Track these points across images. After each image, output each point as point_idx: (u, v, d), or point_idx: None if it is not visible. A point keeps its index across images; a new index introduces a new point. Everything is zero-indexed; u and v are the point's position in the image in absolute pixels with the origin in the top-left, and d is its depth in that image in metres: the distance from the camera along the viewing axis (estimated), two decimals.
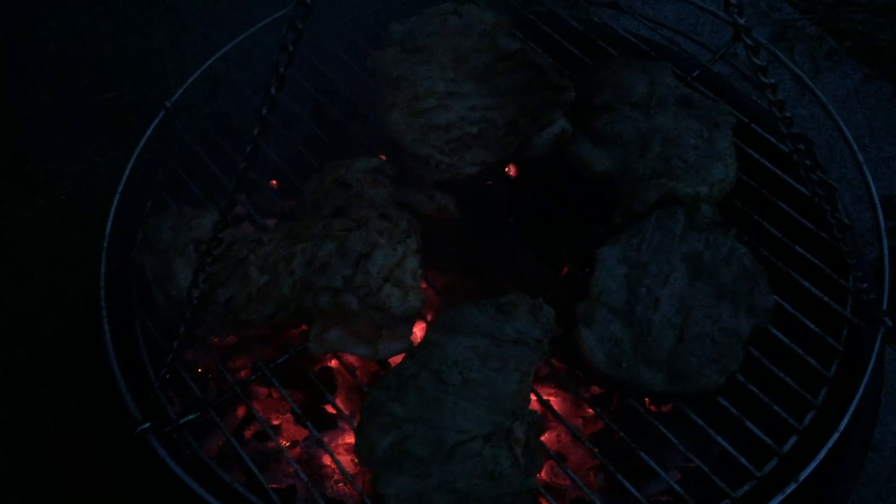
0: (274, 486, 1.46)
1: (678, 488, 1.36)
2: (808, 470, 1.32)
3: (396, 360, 1.46)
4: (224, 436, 1.43)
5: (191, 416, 1.39)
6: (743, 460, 1.37)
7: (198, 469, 1.36)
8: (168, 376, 1.38)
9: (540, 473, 1.57)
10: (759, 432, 1.38)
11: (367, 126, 1.72)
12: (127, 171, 1.66)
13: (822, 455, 1.33)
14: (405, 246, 1.52)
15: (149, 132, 1.72)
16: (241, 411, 1.65)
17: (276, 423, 1.67)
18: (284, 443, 1.63)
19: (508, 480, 1.28)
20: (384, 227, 1.53)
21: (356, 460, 1.60)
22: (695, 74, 1.85)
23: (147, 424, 1.33)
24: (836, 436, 1.34)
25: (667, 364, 1.42)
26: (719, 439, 1.39)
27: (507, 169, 1.85)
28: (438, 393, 1.37)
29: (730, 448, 1.38)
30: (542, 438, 1.61)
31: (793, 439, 1.38)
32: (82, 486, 1.72)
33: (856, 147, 1.67)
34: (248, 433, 1.65)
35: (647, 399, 1.62)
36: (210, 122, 1.84)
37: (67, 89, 2.42)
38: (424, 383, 1.38)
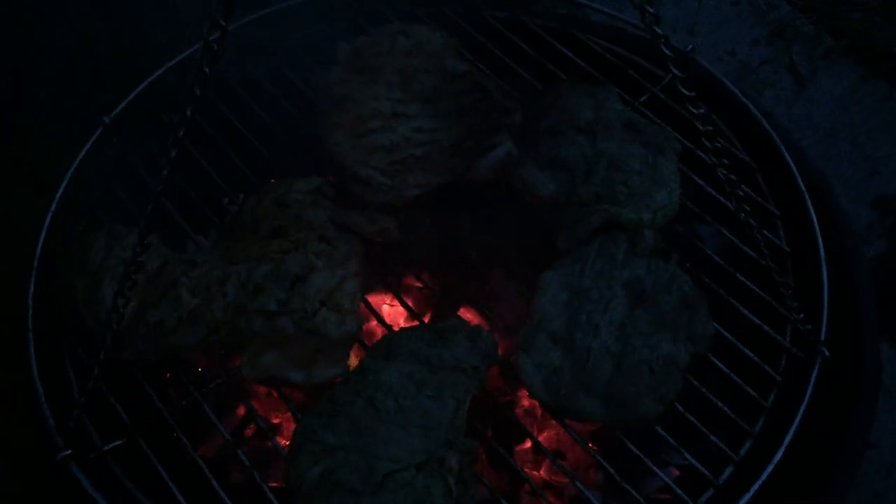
0: (273, 484, 1.43)
1: (673, 486, 1.36)
2: (744, 501, 1.31)
3: None
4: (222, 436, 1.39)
5: (116, 443, 1.35)
6: (679, 491, 1.35)
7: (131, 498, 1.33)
8: (95, 401, 1.34)
9: (539, 472, 1.56)
10: (694, 462, 1.37)
11: (311, 145, 1.69)
12: (61, 188, 1.62)
13: (756, 487, 1.32)
14: (344, 269, 1.50)
15: (87, 147, 1.68)
16: (240, 411, 1.63)
17: (275, 421, 1.66)
18: (284, 441, 1.60)
19: None
20: (323, 249, 1.50)
21: None
22: (642, 99, 1.84)
23: (68, 451, 1.29)
24: (770, 467, 1.34)
25: (605, 392, 1.40)
26: (657, 471, 1.38)
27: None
28: (372, 420, 1.34)
29: (668, 480, 1.37)
30: (541, 437, 1.61)
31: (729, 469, 1.37)
32: None
33: (799, 178, 1.68)
34: (248, 432, 1.63)
35: None
36: (153, 138, 1.80)
37: (68, 89, 2.35)
38: (358, 410, 1.35)
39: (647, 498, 1.38)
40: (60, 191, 1.61)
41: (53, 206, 1.59)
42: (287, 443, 1.56)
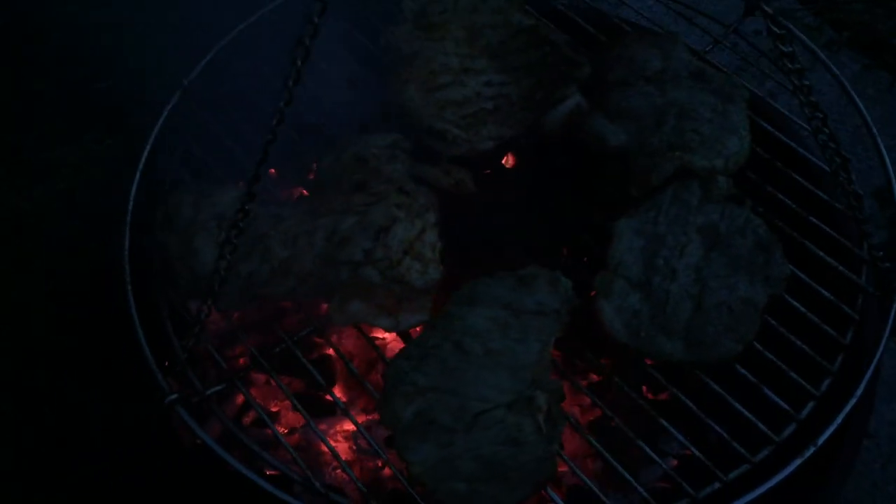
0: (271, 472, 1.47)
1: (674, 475, 1.37)
2: (826, 434, 1.34)
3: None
4: (221, 422, 1.44)
5: (217, 388, 1.41)
6: (737, 446, 1.37)
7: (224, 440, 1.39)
8: (194, 349, 1.40)
9: None
10: (775, 398, 1.40)
11: (384, 103, 1.73)
12: (147, 149, 1.67)
13: (839, 420, 1.35)
14: (423, 220, 1.54)
15: (167, 110, 1.73)
16: (239, 399, 1.67)
17: (274, 409, 1.69)
18: (283, 430, 1.64)
19: (531, 447, 1.30)
20: (403, 201, 1.54)
21: (353, 447, 1.63)
22: (707, 49, 1.85)
23: (175, 395, 1.35)
24: (853, 401, 1.36)
25: (685, 333, 1.43)
26: (713, 425, 1.40)
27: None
28: (460, 363, 1.39)
29: (749, 414, 1.40)
30: None
31: (810, 405, 1.40)
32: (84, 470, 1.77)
33: (870, 121, 1.68)
34: (246, 420, 1.67)
35: (644, 387, 1.64)
36: (226, 101, 1.85)
37: (64, 78, 2.42)
38: (446, 353, 1.40)
39: (647, 488, 1.39)
40: (146, 151, 1.66)
41: (141, 166, 1.64)
42: (285, 431, 1.61)
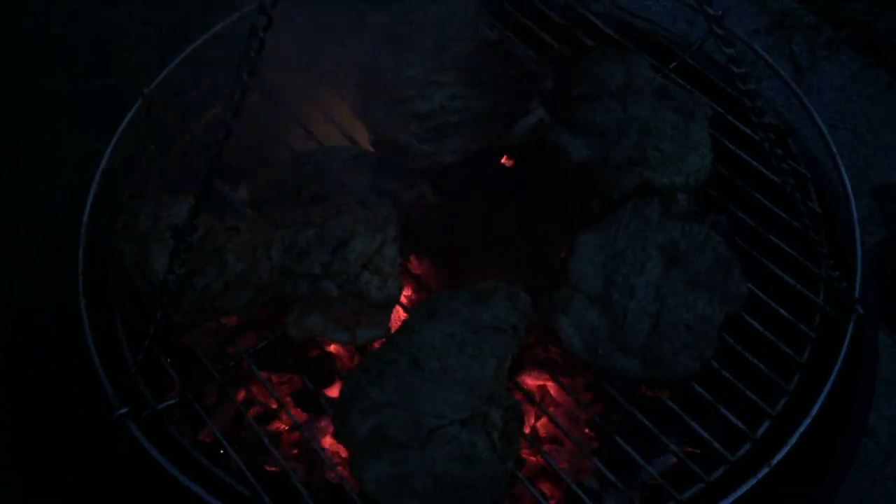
0: (271, 468, 1.47)
1: (658, 476, 1.37)
2: (781, 454, 1.34)
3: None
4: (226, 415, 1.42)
5: (169, 402, 1.39)
6: (717, 445, 1.38)
7: (185, 455, 1.37)
8: (146, 362, 1.38)
9: (536, 458, 1.59)
10: (732, 417, 1.40)
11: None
12: (105, 159, 1.65)
13: (793, 440, 1.35)
14: (384, 234, 1.53)
15: (127, 119, 1.71)
16: (241, 393, 1.65)
17: (275, 406, 1.66)
18: (284, 426, 1.63)
19: (485, 464, 1.30)
20: (363, 214, 1.53)
21: None
22: (672, 66, 1.86)
23: (124, 409, 1.33)
24: (808, 421, 1.37)
25: (642, 351, 1.43)
26: (694, 425, 1.41)
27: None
28: (416, 378, 1.38)
29: (704, 433, 1.40)
30: (539, 424, 1.63)
31: (766, 424, 1.40)
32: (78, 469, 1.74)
33: (831, 141, 1.69)
34: (251, 413, 1.63)
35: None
36: (190, 109, 1.83)
37: (67, 74, 2.40)
38: (403, 369, 1.39)
39: (647, 483, 1.40)
40: (104, 160, 1.64)
41: (98, 176, 1.62)
42: (286, 427, 1.60)
